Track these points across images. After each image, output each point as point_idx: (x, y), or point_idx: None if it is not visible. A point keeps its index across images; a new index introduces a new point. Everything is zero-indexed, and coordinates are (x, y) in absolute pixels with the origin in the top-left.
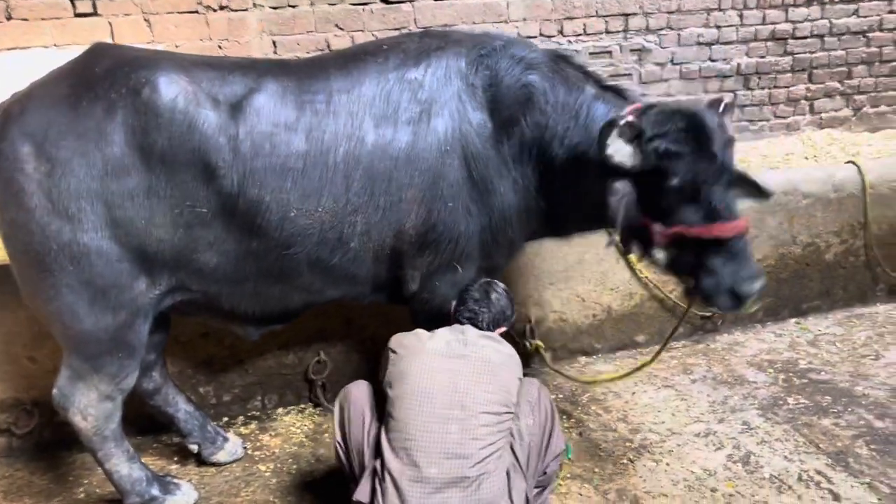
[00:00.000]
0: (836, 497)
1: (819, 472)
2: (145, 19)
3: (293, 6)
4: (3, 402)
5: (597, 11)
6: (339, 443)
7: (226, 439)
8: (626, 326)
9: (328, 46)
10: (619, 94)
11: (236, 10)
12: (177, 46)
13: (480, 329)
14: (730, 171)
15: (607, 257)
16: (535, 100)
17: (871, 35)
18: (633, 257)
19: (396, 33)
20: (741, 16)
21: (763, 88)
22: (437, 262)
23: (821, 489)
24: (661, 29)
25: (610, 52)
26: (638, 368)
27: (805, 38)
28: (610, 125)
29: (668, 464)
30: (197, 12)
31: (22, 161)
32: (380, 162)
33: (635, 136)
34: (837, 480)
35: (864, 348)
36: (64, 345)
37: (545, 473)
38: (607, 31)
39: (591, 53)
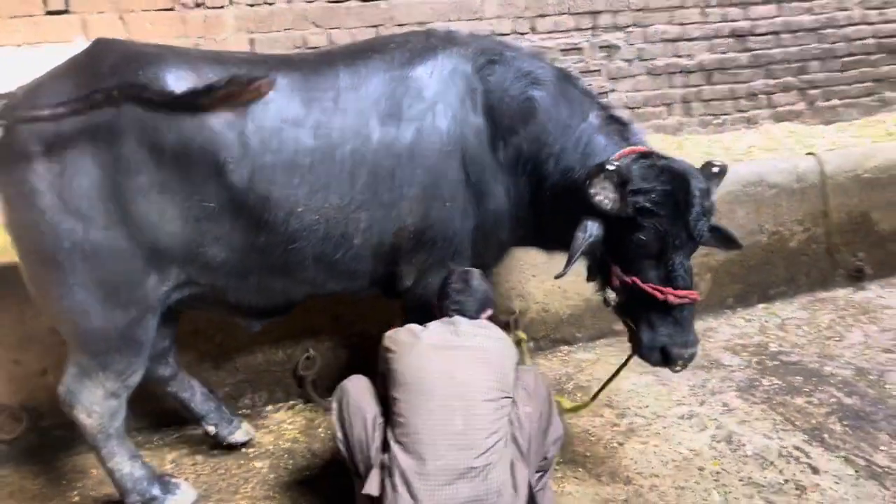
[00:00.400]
0: (816, 470)
1: (797, 448)
2: (120, 17)
3: (270, 3)
4: None
5: (568, 9)
6: (339, 439)
7: (241, 419)
8: (605, 315)
9: (305, 44)
10: (622, 128)
11: (213, 8)
12: None
13: (469, 317)
14: (697, 242)
15: None
16: (537, 116)
17: (823, 32)
18: None
19: (373, 31)
20: (703, 13)
21: (725, 83)
22: (431, 260)
23: (800, 463)
24: (629, 26)
25: (580, 49)
26: (585, 405)
27: (763, 35)
28: (600, 168)
29: (655, 445)
30: (173, 9)
31: (33, 161)
32: (384, 159)
33: (621, 183)
34: (815, 455)
35: (828, 331)
36: (72, 343)
37: (546, 459)
38: (577, 29)
39: (561, 50)
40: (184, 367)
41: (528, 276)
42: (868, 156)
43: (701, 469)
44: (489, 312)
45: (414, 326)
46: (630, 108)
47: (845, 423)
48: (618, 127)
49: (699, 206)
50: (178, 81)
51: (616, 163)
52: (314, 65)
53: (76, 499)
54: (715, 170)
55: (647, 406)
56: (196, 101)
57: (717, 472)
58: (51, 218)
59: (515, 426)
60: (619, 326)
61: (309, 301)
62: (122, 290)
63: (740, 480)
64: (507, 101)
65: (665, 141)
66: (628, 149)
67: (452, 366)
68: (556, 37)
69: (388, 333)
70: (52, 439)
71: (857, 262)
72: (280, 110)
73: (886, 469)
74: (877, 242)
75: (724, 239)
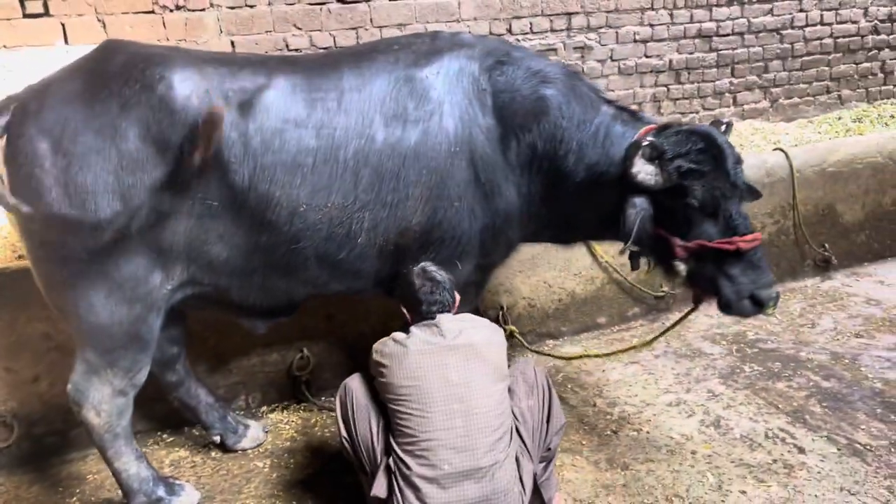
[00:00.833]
0: (802, 450)
1: (782, 430)
2: (99, 20)
3: (251, 6)
4: None
5: (542, 10)
6: (344, 438)
7: (247, 426)
8: (588, 309)
9: (287, 46)
10: (633, 114)
11: (193, 11)
12: None
13: (449, 311)
14: (741, 188)
15: None
16: (550, 114)
17: (784, 32)
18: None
19: (353, 33)
20: (671, 15)
21: (692, 83)
22: (438, 259)
23: (786, 444)
24: (601, 27)
25: (555, 50)
26: (633, 347)
27: (727, 35)
28: (635, 146)
29: (648, 432)
30: (153, 12)
31: (40, 157)
32: (388, 159)
33: (657, 156)
34: (799, 436)
35: (800, 318)
36: (79, 339)
37: (549, 449)
38: (552, 30)
39: (537, 51)
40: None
41: (514, 272)
42: (832, 150)
43: (693, 453)
44: (458, 296)
45: (398, 335)
46: None
47: (825, 404)
48: (628, 115)
49: (732, 155)
50: (183, 83)
51: (648, 138)
52: (318, 66)
53: None
54: (723, 127)
55: (636, 395)
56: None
57: (709, 455)
58: (57, 212)
59: (519, 421)
60: (602, 319)
61: (304, 301)
62: (126, 287)
63: (732, 462)
64: (519, 101)
65: None
66: (646, 127)
67: (445, 369)
68: (531, 38)
69: (376, 347)
70: (45, 446)
71: (824, 252)
72: (282, 111)
73: (867, 446)
74: (841, 233)
75: (749, 189)
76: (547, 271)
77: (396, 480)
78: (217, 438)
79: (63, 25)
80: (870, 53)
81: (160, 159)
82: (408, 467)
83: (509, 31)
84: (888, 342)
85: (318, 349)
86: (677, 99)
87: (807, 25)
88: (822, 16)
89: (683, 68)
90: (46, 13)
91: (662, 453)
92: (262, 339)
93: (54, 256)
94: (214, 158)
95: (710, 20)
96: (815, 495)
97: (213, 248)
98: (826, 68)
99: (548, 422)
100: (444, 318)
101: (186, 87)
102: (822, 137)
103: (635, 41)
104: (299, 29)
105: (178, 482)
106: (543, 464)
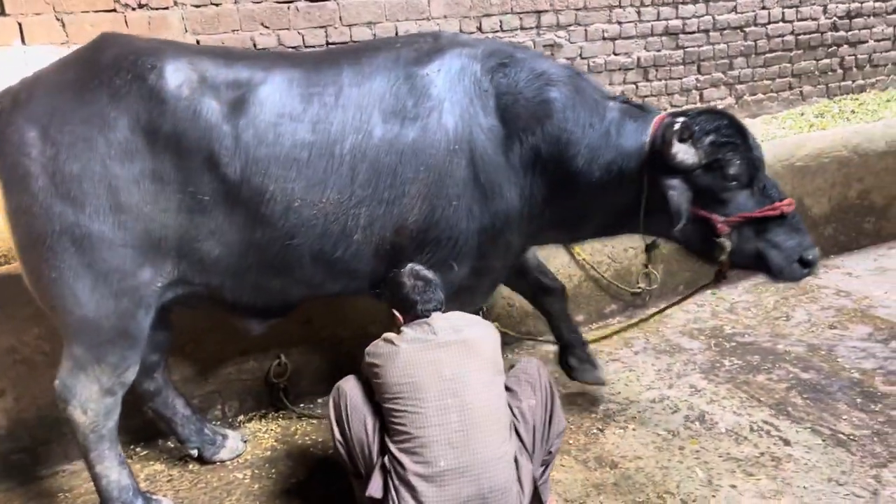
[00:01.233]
0: (787, 442)
1: (766, 423)
2: (58, 18)
3: (216, 4)
4: None
5: (511, 8)
6: (339, 441)
7: (225, 437)
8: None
9: (254, 45)
10: (640, 108)
11: (157, 9)
12: None
13: (440, 310)
14: (762, 158)
15: None
16: (555, 116)
17: (747, 30)
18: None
19: (322, 31)
20: (639, 13)
21: (660, 80)
22: (434, 260)
23: (772, 437)
24: (570, 25)
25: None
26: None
27: (693, 32)
28: (669, 129)
29: (634, 429)
30: (115, 10)
31: (28, 145)
32: (386, 156)
33: (689, 135)
34: (784, 428)
35: (774, 311)
36: (65, 333)
37: (550, 453)
38: (522, 28)
39: None
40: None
41: None
42: (799, 145)
43: (681, 448)
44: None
45: (389, 335)
46: None
47: (805, 396)
48: (635, 108)
49: (746, 127)
50: (175, 73)
51: (679, 119)
52: (317, 62)
53: None
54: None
55: (619, 392)
56: None
57: (697, 451)
58: (42, 201)
59: (519, 420)
60: (581, 316)
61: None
62: (112, 279)
63: (719, 456)
64: (522, 104)
65: None
66: (658, 116)
67: (439, 365)
68: (501, 36)
69: (368, 349)
70: (11, 464)
71: None
72: (277, 104)
73: (850, 436)
74: (810, 227)
75: None
76: None
77: (392, 480)
78: (194, 451)
79: (20, 24)
80: (829, 50)
81: (150, 150)
82: (403, 466)
83: (479, 28)
84: (861, 332)
85: (295, 355)
86: (645, 96)
87: (769, 23)
88: (783, 13)
89: (651, 65)
90: (2, 12)
91: (650, 450)
92: (238, 347)
93: (41, 247)
94: (207, 152)
95: (677, 17)
96: (805, 487)
97: (204, 244)
98: (788, 65)
99: (549, 423)
100: (436, 317)
101: (178, 77)
102: (787, 133)
103: (604, 39)
104: (266, 27)
105: (155, 497)
106: (543, 468)
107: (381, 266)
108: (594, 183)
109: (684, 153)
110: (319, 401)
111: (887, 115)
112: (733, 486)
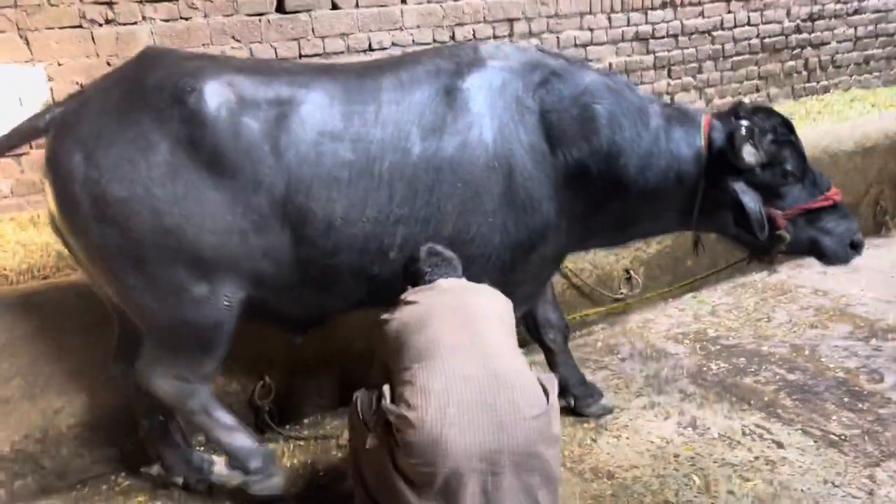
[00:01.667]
0: (780, 445)
1: (758, 426)
2: (22, 36)
3: (186, 18)
4: None
5: (484, 17)
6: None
7: (211, 463)
8: None
9: None
10: (680, 110)
11: (125, 24)
12: (60, 65)
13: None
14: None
15: None
16: (601, 132)
17: (714, 34)
18: None
19: (295, 44)
20: (609, 19)
21: None
22: (467, 276)
23: (765, 440)
24: (543, 32)
25: None
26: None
27: (662, 38)
28: (737, 133)
29: (627, 438)
30: (81, 27)
31: (74, 169)
32: (424, 173)
33: (751, 136)
34: (776, 430)
35: (756, 313)
36: (141, 326)
37: None
38: (495, 36)
39: None
40: None
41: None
42: None
43: (676, 456)
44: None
45: (394, 301)
46: None
47: (794, 397)
48: (676, 111)
49: (791, 121)
50: (214, 95)
51: (744, 121)
52: (358, 76)
53: None
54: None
55: (609, 400)
56: None
57: (692, 457)
58: (88, 227)
59: None
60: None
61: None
62: (169, 296)
63: (714, 462)
64: (567, 120)
65: None
66: (705, 119)
67: (447, 298)
68: None
69: (374, 330)
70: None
71: None
72: (318, 122)
73: (841, 436)
74: None
75: None
76: None
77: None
78: (179, 480)
79: None
80: (794, 52)
81: (193, 170)
82: (417, 383)
83: (452, 38)
84: (842, 331)
85: (280, 376)
86: None
87: (735, 26)
88: (749, 17)
89: (622, 71)
90: None
91: (645, 458)
92: (221, 368)
93: (101, 265)
94: (249, 173)
95: (646, 23)
96: (801, 489)
97: (259, 263)
98: (755, 67)
99: None
100: (441, 280)
101: (217, 99)
102: None
103: (576, 45)
104: (238, 41)
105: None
106: None
107: None
108: (648, 190)
109: (749, 154)
110: (306, 421)
111: (852, 116)
112: (731, 492)
